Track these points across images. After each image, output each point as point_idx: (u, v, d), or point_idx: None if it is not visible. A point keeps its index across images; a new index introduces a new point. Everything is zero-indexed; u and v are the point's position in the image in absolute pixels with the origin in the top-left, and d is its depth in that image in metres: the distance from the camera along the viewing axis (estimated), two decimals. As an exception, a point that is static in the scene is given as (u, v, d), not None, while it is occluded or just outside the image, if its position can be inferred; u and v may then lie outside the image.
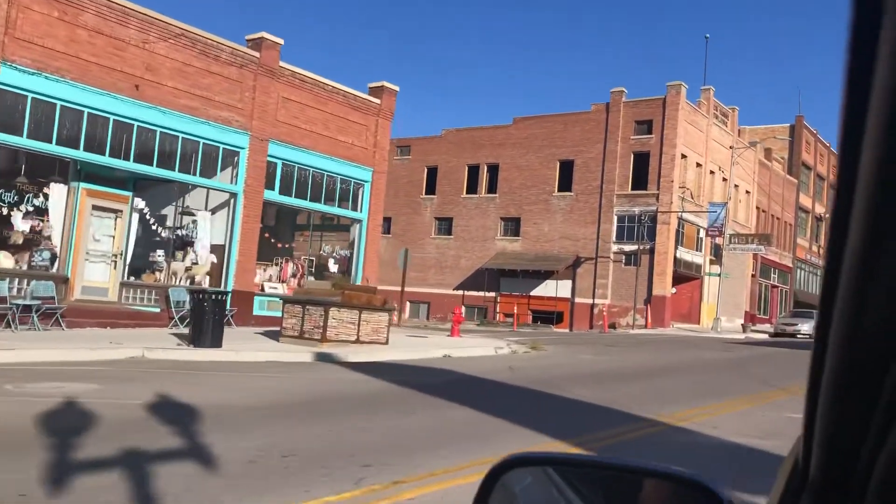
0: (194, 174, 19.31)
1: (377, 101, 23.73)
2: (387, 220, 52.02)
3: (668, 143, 40.67)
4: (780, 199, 54.33)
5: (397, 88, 24.25)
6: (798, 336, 39.15)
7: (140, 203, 19.07)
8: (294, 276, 22.88)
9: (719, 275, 40.10)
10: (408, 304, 49.91)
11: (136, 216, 18.98)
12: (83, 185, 17.71)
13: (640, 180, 41.67)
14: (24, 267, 16.71)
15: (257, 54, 20.28)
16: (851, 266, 0.63)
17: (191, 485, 4.90)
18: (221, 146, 19.73)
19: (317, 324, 15.92)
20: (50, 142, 16.33)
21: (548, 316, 43.38)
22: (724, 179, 44.17)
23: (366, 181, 23.53)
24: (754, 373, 15.17)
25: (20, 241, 16.79)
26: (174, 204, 20.78)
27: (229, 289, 19.89)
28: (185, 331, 16.11)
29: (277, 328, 17.03)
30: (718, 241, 41.31)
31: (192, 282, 19.71)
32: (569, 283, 43.24)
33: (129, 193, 18.76)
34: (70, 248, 17.41)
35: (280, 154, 21.03)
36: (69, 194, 17.48)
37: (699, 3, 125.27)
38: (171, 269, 19.57)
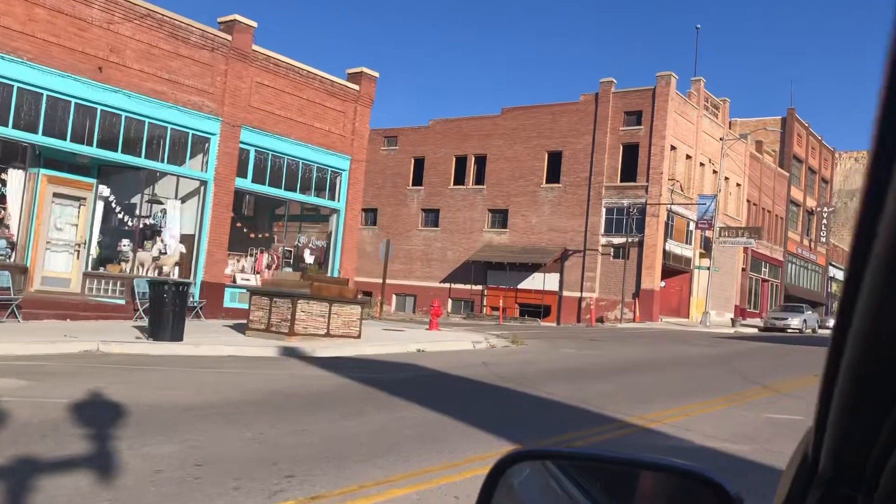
0: (162, 161, 18.60)
1: (356, 87, 23.02)
2: (373, 212, 51.39)
3: (658, 134, 40.09)
4: (770, 193, 53.86)
5: (377, 74, 23.57)
6: (788, 330, 38.72)
7: (105, 190, 18.36)
8: (269, 267, 22.22)
9: (708, 268, 39.59)
10: (394, 296, 49.30)
11: (100, 204, 18.27)
12: (43, 171, 16.99)
13: (629, 172, 41.09)
14: (-21, 256, 16.00)
15: (229, 37, 19.56)
16: (876, 267, 0.65)
17: (73, 501, 4.26)
18: (191, 132, 19.02)
19: (284, 317, 15.28)
20: (6, 125, 15.61)
21: (535, 309, 42.81)
22: (715, 172, 43.62)
23: (343, 170, 22.85)
24: (738, 369, 14.61)
25: (-25, 229, 16.09)
26: (142, 192, 20.10)
27: (199, 280, 19.24)
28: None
29: (247, 321, 16.38)
30: (708, 234, 40.79)
31: (161, 272, 19.03)
32: (556, 276, 42.67)
33: (93, 180, 18.05)
34: (29, 236, 16.71)
35: (253, 141, 20.34)
36: (28, 180, 16.77)
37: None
38: (138, 259, 18.88)
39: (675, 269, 41.91)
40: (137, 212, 19.58)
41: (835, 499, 0.74)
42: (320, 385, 9.75)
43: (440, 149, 47.95)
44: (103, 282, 18.13)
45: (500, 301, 42.06)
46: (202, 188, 19.59)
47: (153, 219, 19.58)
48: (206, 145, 19.48)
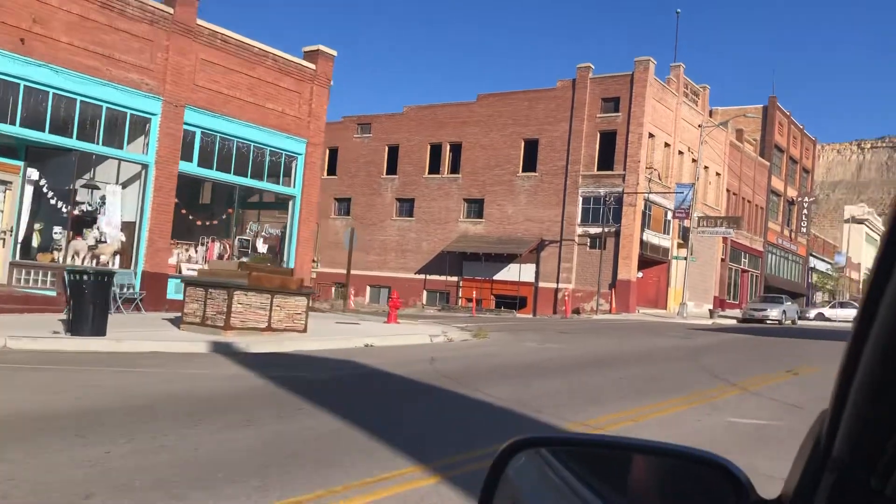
0: (97, 143, 17.34)
1: (312, 66, 21.81)
2: (346, 202, 50.14)
3: (635, 121, 39.11)
4: (751, 182, 53.11)
5: (334, 53, 22.35)
6: (767, 322, 37.96)
7: (34, 174, 17.09)
8: (221, 257, 21.01)
9: (686, 258, 38.72)
10: (368, 288, 48.15)
11: (29, 188, 17.01)
12: (-38, 152, 15.71)
13: (606, 160, 40.11)
14: None
15: (171, 10, 18.28)
16: None
17: None
18: (129, 112, 17.76)
19: (220, 309, 14.12)
20: (-84, 101, 14.33)
21: (511, 301, 41.83)
22: (694, 160, 42.70)
23: (299, 153, 21.65)
24: (706, 364, 13.63)
25: None
26: (80, 176, 18.81)
27: (139, 270, 18.04)
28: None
29: (181, 314, 15.22)
30: (686, 223, 39.89)
31: (98, 262, 17.81)
32: (533, 267, 41.70)
33: (20, 163, 16.77)
34: (-53, 223, 15.43)
35: (199, 122, 19.10)
36: (-56, 162, 15.47)
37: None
38: (73, 247, 17.61)
39: (652, 259, 41.05)
40: (74, 197, 18.30)
41: (849, 482, 0.75)
42: (230, 387, 8.64)
43: (415, 136, 46.76)
44: (32, 272, 16.88)
45: (474, 293, 41.01)
46: (143, 172, 18.35)
47: (90, 205, 18.31)
48: (147, 126, 18.22)
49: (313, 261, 48.35)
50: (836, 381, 0.76)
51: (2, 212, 16.53)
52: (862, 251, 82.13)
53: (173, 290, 18.71)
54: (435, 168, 46.03)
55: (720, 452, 0.99)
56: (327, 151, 50.93)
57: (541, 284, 41.35)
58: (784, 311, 39.15)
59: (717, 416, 8.12)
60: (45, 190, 17.38)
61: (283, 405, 7.42)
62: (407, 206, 47.05)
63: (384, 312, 36.16)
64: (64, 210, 17.63)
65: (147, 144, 18.24)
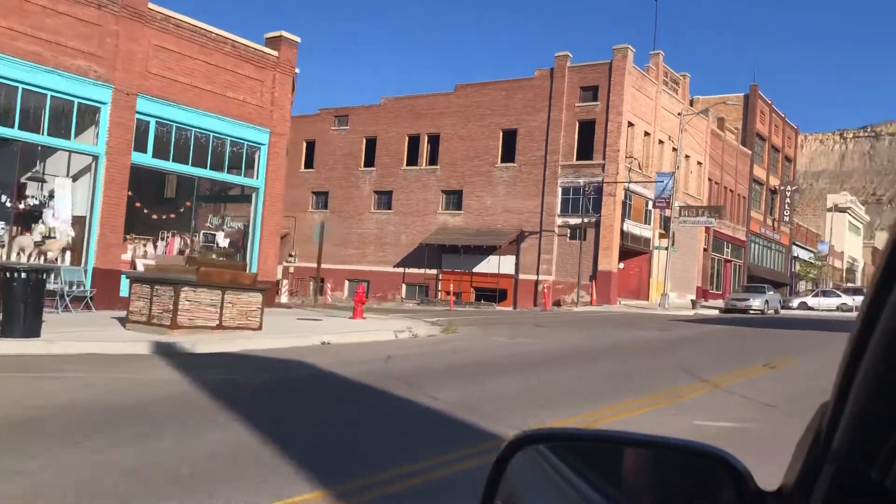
0: (42, 133, 16.43)
1: (274, 53, 20.94)
2: (324, 195, 49.25)
3: (614, 110, 38.46)
4: (733, 171, 52.65)
5: (298, 39, 21.50)
6: (750, 311, 37.49)
7: (-27, 166, 16.16)
8: (182, 252, 20.15)
9: (666, 248, 38.16)
10: (346, 282, 47.30)
11: (-32, 182, 16.08)
12: None
13: (585, 150, 39.46)
14: None
15: (120, -7, 17.38)
16: None
17: None
18: (77, 101, 16.86)
19: (167, 307, 13.30)
20: None
21: (491, 294, 41.16)
22: (675, 149, 42.08)
23: (262, 144, 20.80)
24: (681, 358, 12.98)
25: None
26: (29, 169, 17.90)
27: (90, 266, 17.17)
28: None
29: (126, 312, 14.38)
30: (667, 213, 39.31)
31: (46, 259, 16.93)
32: (512, 258, 41.03)
33: (-43, 154, 15.84)
34: None
35: (153, 111, 18.22)
36: None
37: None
38: (17, 244, 16.71)
39: (633, 250, 40.48)
40: (20, 191, 17.39)
41: (849, 474, 0.75)
42: (151, 393, 7.86)
43: (392, 128, 45.90)
44: (-27, 270, 15.95)
45: (451, 286, 40.32)
46: (93, 164, 17.46)
47: (37, 199, 17.41)
48: (97, 116, 17.33)
49: (290, 255, 47.65)
50: (837, 374, 0.76)
51: (-62, 207, 15.64)
52: (845, 239, 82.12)
53: (127, 288, 17.80)
54: (413, 160, 45.23)
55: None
56: (304, 144, 50.08)
57: (521, 276, 40.69)
58: (767, 301, 38.72)
59: (682, 418, 7.43)
60: (-15, 183, 16.46)
61: (198, 414, 6.66)
62: (385, 199, 46.23)
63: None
64: (8, 204, 16.72)
65: (97, 135, 17.35)
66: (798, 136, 70.02)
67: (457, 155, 43.34)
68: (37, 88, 16.07)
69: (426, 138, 44.84)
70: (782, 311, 41.26)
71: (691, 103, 48.26)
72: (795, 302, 48.77)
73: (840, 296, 48.39)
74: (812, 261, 69.17)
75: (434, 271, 43.24)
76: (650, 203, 40.46)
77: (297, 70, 23.69)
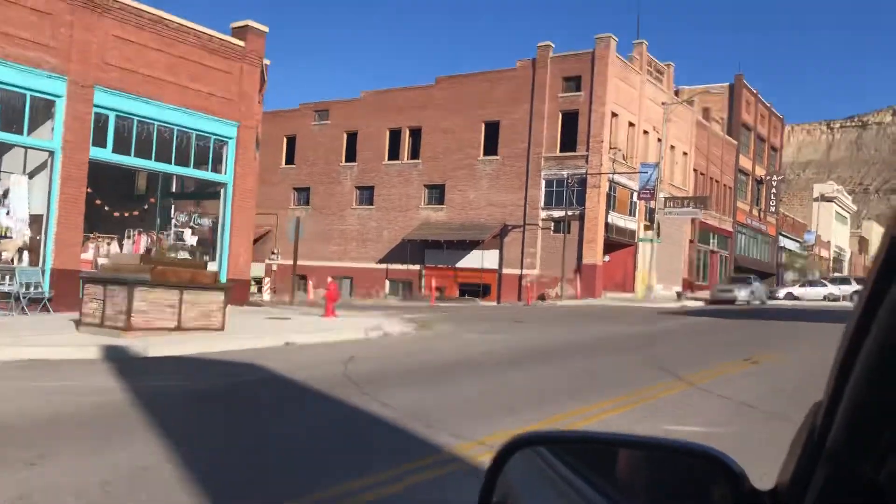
0: (-8, 128, 15.72)
1: (241, 43, 20.25)
2: (305, 191, 48.51)
3: (598, 100, 37.90)
4: (719, 162, 52.24)
5: (265, 29, 20.80)
6: (736, 302, 37.09)
7: (-80, 164, 15.44)
8: (150, 250, 19.47)
9: (651, 240, 37.69)
10: (329, 279, 46.55)
11: (-85, 181, 15.36)
12: None
13: (568, 141, 38.90)
14: None
15: (74, -19, 16.65)
16: None
17: None
18: (29, 93, 16.14)
19: (121, 308, 12.65)
20: None
21: (475, 289, 40.60)
22: (659, 140, 41.58)
23: (230, 137, 20.11)
24: (658, 354, 12.44)
25: None
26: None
27: (48, 267, 16.48)
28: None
29: (78, 314, 13.72)
30: (652, 204, 38.82)
31: (0, 259, 16.23)
32: (496, 253, 40.49)
33: None
34: None
35: (112, 104, 17.51)
36: None
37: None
38: (-31, 244, 16.01)
39: (618, 242, 40.00)
40: (-26, 189, 16.67)
41: (844, 472, 0.75)
42: (73, 403, 7.21)
43: (373, 122, 45.19)
44: (-79, 272, 15.27)
45: (433, 281, 39.75)
46: (50, 160, 16.75)
47: (-10, 197, 16.69)
48: (52, 109, 16.61)
49: (273, 252, 46.89)
50: (831, 373, 0.76)
51: None
52: (832, 229, 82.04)
53: (88, 289, 17.14)
54: (394, 154, 44.57)
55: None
56: (285, 140, 49.32)
57: (505, 271, 40.16)
58: (753, 292, 38.35)
59: (652, 422, 6.87)
60: (-66, 182, 15.75)
61: (113, 429, 6.04)
62: (367, 194, 45.56)
63: (341, 304, 34.75)
64: (-41, 203, 16.01)
65: (53, 129, 16.64)
66: (784, 126, 69.73)
67: (439, 149, 42.71)
68: (-14, 81, 15.34)
69: (408, 132, 44.18)
70: (769, 302, 40.91)
71: (676, 93, 47.77)
72: (782, 292, 48.48)
73: (826, 285, 48.13)
74: (799, 251, 68.97)
75: (417, 267, 42.65)
76: (635, 194, 39.98)
77: (267, 61, 23.02)
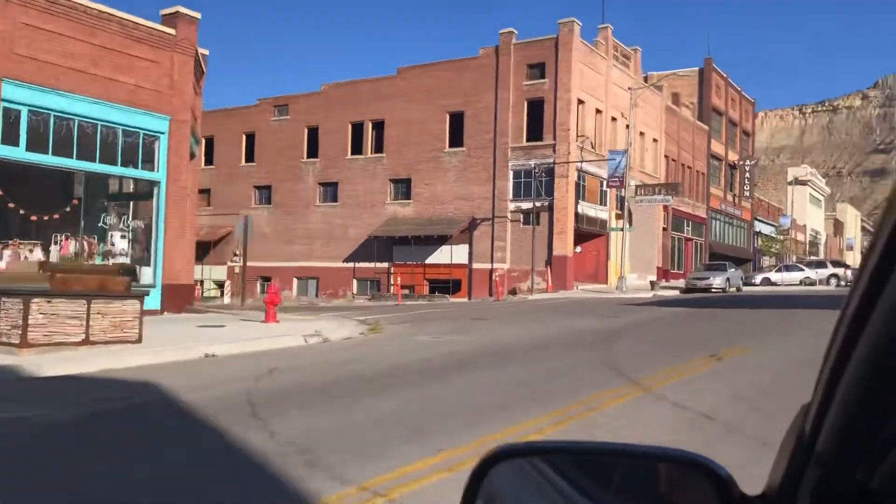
0: None
1: (171, 31, 18.83)
2: (267, 189, 47.00)
3: (563, 87, 36.80)
4: (690, 147, 51.42)
5: (198, 16, 19.40)
6: (712, 290, 36.20)
7: None
8: (78, 255, 18.04)
9: (621, 229, 36.68)
10: (295, 280, 45.18)
11: None
12: None
13: (535, 130, 37.78)
14: None
15: (-26, -36, 15.19)
16: None
17: None
18: (-74, 88, 14.68)
19: (16, 322, 11.29)
20: None
21: (444, 285, 39.39)
22: (628, 127, 40.57)
23: (161, 133, 18.71)
24: (616, 352, 11.30)
25: None
26: None
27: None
28: None
29: None
30: (622, 192, 37.78)
31: None
32: (465, 247, 39.30)
33: None
34: None
35: (24, 99, 16.05)
36: None
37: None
38: None
39: (589, 232, 38.98)
40: None
41: (834, 475, 0.74)
42: None
43: (335, 116, 43.76)
44: None
45: (399, 279, 38.52)
46: (-46, 161, 15.29)
47: None
48: (-46, 105, 15.16)
49: (235, 254, 45.34)
50: (821, 376, 0.75)
51: None
52: (807, 212, 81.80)
53: (3, 300, 15.68)
54: (358, 148, 43.21)
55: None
56: (244, 137, 47.76)
57: (475, 266, 39.01)
58: (728, 279, 37.48)
59: (587, 437, 5.66)
60: None
61: None
62: (331, 191, 44.16)
63: (309, 307, 33.43)
64: None
65: (-44, 127, 15.18)
66: (755, 110, 69.15)
67: (403, 141, 41.42)
68: None
69: (370, 125, 42.84)
70: (745, 289, 40.10)
71: (646, 80, 46.78)
72: (758, 278, 47.73)
73: (803, 269, 47.47)
74: (774, 235, 68.51)
75: (385, 265, 41.37)
76: (604, 183, 38.94)
77: (204, 51, 21.65)
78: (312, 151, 44.73)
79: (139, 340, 12.47)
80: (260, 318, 17.32)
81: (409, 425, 6.34)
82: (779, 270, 48.86)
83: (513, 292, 36.71)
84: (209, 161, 48.89)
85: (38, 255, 17.60)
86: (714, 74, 55.54)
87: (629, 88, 39.17)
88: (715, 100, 55.80)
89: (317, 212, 44.32)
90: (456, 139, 40.01)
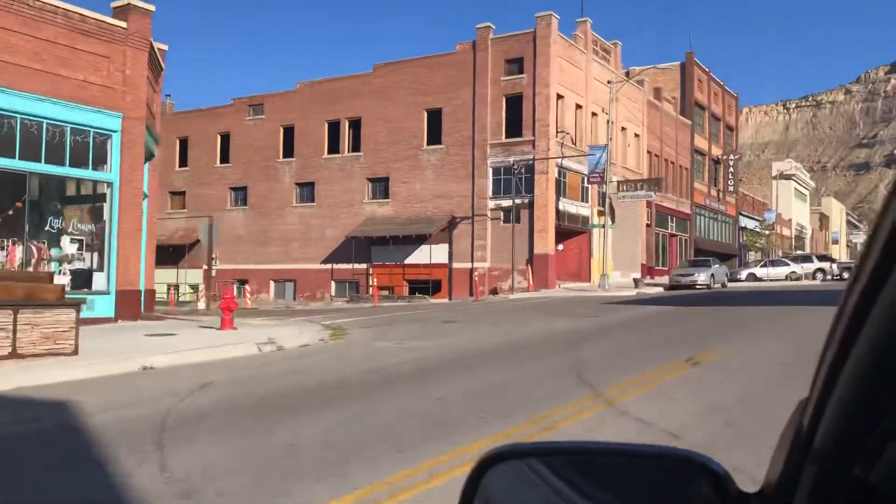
0: None
1: (122, 24, 17.87)
2: (242, 190, 45.96)
3: (542, 82, 36.03)
4: (673, 143, 50.79)
5: (152, 8, 18.44)
6: (696, 287, 35.53)
7: None
8: (29, 262, 17.04)
9: (603, 226, 35.95)
10: (272, 283, 44.19)
11: None
12: None
13: (514, 127, 36.99)
14: None
15: None
16: None
17: None
18: None
19: (-67, 336, 10.36)
20: None
21: (424, 286, 38.54)
22: (609, 122, 39.84)
23: (113, 131, 17.74)
24: (584, 358, 10.50)
25: None
26: None
27: None
28: None
29: None
30: (603, 188, 37.05)
31: None
32: (445, 247, 38.47)
33: None
34: None
35: (-41, 96, 15.09)
36: None
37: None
38: None
39: (571, 230, 38.24)
40: None
41: (832, 472, 0.74)
42: None
43: (310, 114, 42.81)
44: None
45: (375, 280, 37.65)
46: None
47: None
48: None
49: (212, 258, 44.30)
50: (819, 372, 0.74)
51: None
52: (792, 207, 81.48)
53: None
54: (334, 147, 42.28)
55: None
56: (219, 138, 46.71)
57: (455, 265, 38.19)
58: (712, 275, 36.82)
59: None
60: None
61: None
62: (307, 191, 43.20)
63: (286, 310, 32.48)
64: None
65: None
66: (739, 105, 68.68)
67: (380, 139, 40.54)
68: None
69: (347, 124, 41.93)
70: (730, 284, 39.47)
71: (626, 74, 46.10)
72: (744, 273, 47.13)
73: (789, 264, 46.91)
74: (759, 230, 68.06)
75: (364, 266, 40.48)
76: (585, 179, 38.20)
77: (163, 46, 20.71)
78: (288, 151, 43.78)
79: (75, 352, 11.56)
80: (212, 325, 16.42)
81: (330, 453, 5.49)
82: (764, 265, 48.27)
83: (494, 292, 35.91)
84: (183, 163, 47.88)
85: (-19, 261, 16.60)
86: (696, 69, 54.97)
87: (609, 83, 38.45)
88: (697, 94, 55.23)
89: (294, 213, 43.36)
90: (434, 136, 39.17)
